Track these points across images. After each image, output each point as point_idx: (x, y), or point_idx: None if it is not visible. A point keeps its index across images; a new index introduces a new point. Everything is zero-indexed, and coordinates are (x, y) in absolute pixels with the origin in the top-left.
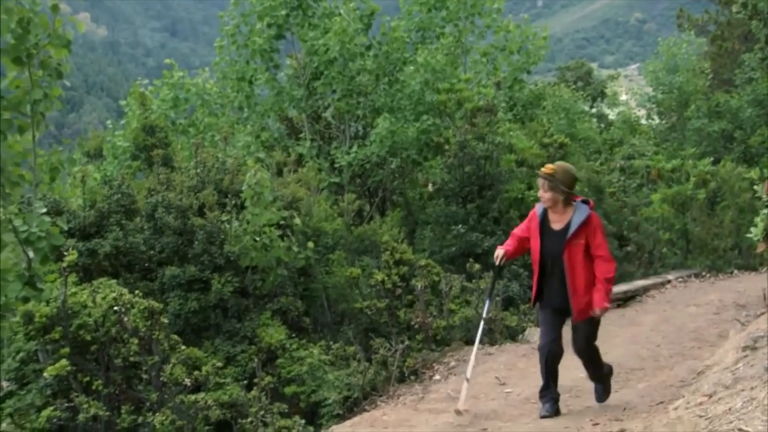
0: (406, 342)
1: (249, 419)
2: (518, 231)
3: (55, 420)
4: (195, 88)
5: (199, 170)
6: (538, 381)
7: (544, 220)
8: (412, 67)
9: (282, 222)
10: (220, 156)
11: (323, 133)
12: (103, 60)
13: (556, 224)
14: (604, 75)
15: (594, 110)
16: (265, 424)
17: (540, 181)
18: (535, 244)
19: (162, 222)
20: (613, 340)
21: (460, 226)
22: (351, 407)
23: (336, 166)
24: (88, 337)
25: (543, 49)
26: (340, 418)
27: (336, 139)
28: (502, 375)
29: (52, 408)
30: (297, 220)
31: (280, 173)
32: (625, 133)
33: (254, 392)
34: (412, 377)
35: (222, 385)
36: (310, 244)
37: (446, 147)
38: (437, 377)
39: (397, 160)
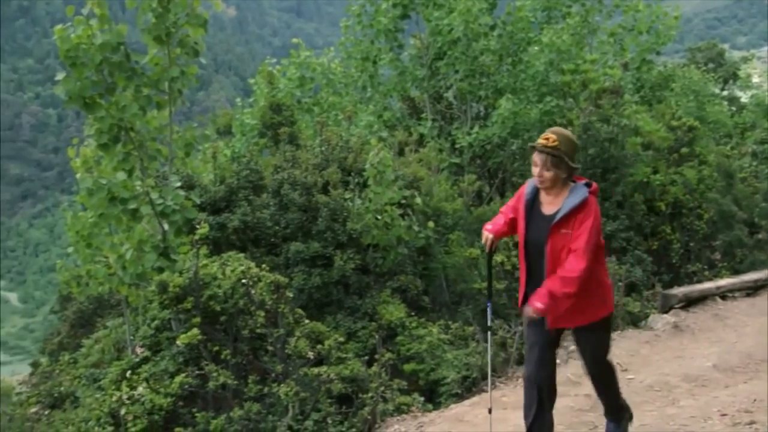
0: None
1: (369, 394)
2: (506, 209)
3: (186, 386)
4: (320, 68)
5: (323, 148)
6: (662, 367)
7: (533, 200)
8: (536, 48)
9: (403, 201)
10: (343, 135)
11: (444, 114)
12: (231, 39)
13: (548, 207)
14: (737, 56)
15: (725, 93)
16: (385, 400)
17: (538, 157)
18: (521, 230)
19: (287, 198)
20: (743, 329)
21: None
22: (469, 387)
23: (456, 146)
24: (218, 308)
25: (673, 29)
26: (459, 397)
27: (457, 120)
28: (624, 361)
29: (184, 375)
30: (418, 200)
31: (401, 153)
32: (758, 117)
33: (375, 368)
34: None
35: (343, 360)
36: (430, 224)
37: (570, 129)
38: (557, 361)
39: (519, 142)
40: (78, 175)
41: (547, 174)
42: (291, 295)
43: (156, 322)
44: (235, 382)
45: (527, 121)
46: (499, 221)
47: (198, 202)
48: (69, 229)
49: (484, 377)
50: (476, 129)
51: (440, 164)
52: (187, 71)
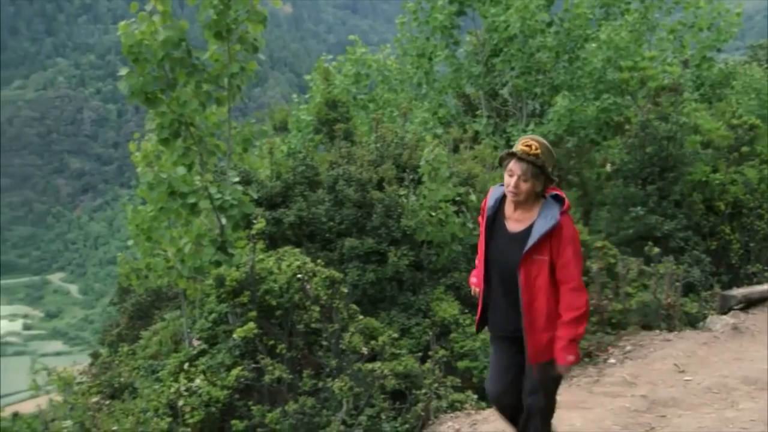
0: None
1: (423, 391)
2: (480, 244)
3: (242, 379)
4: (376, 64)
5: (378, 145)
6: (720, 369)
7: (496, 212)
8: (594, 45)
9: (457, 198)
10: (398, 131)
11: (500, 111)
12: (287, 36)
13: (514, 223)
14: None
15: None
16: (439, 397)
17: (517, 166)
18: (481, 245)
19: (342, 194)
20: None
21: (639, 208)
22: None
23: (511, 143)
24: (274, 303)
25: (735, 26)
26: None
27: (512, 117)
28: (681, 362)
29: (240, 368)
30: (472, 197)
31: (456, 150)
32: None
33: (428, 365)
34: (586, 359)
35: (397, 356)
36: None
37: (627, 126)
38: (612, 360)
39: (575, 139)
40: (139, 170)
41: (524, 186)
42: (345, 290)
43: (213, 315)
44: (290, 376)
45: (584, 119)
46: (478, 267)
47: (255, 197)
48: (129, 223)
49: None
50: (532, 126)
51: (495, 161)
52: (246, 67)
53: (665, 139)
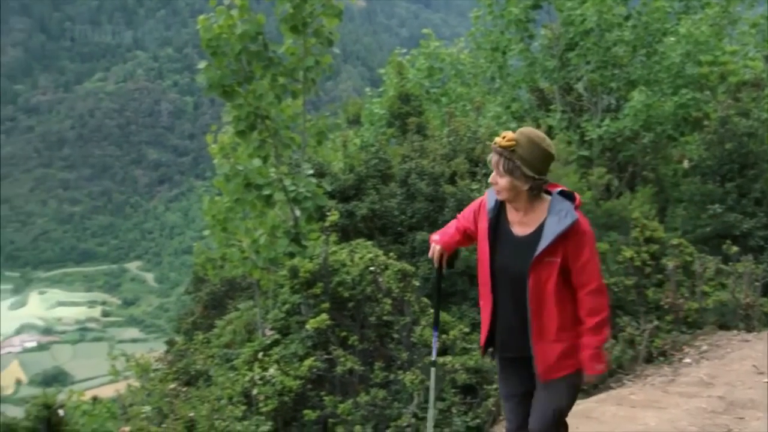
0: (655, 322)
1: (494, 386)
2: (461, 217)
3: (314, 370)
4: (449, 58)
5: (451, 139)
6: None
7: (498, 217)
8: (672, 39)
9: None
10: (471, 125)
11: (574, 105)
12: (360, 30)
13: (520, 227)
14: None
15: None
16: None
17: (492, 158)
18: (483, 255)
19: (415, 188)
20: None
21: (717, 205)
22: (596, 383)
23: (586, 139)
24: (346, 294)
25: None
26: (585, 393)
27: (587, 112)
28: (759, 363)
29: (312, 358)
30: None
31: None
32: None
33: None
34: (661, 358)
35: (468, 351)
36: None
37: (705, 122)
38: (687, 360)
39: (651, 135)
40: (215, 161)
41: (501, 181)
42: (417, 284)
43: (286, 306)
44: (362, 368)
45: (661, 114)
46: (449, 230)
47: (329, 189)
48: (206, 213)
49: (611, 374)
50: (607, 121)
51: (569, 156)
52: (321, 60)
53: (746, 135)
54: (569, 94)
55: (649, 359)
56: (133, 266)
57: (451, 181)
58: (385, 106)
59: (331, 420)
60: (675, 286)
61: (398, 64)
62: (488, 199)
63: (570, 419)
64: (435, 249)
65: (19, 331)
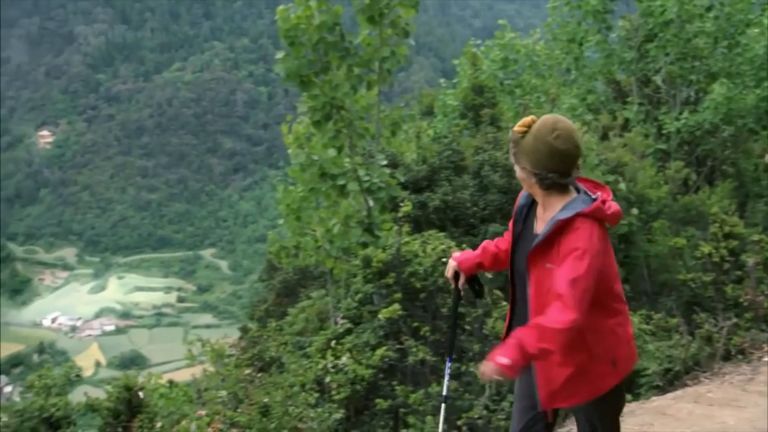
0: (733, 319)
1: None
2: (505, 235)
3: (386, 359)
4: (524, 49)
5: None
6: None
7: (528, 213)
8: (756, 30)
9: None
10: None
11: (652, 98)
12: (433, 21)
13: (539, 224)
14: None
15: None
16: None
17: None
18: (506, 251)
19: (488, 180)
20: None
21: None
22: (671, 380)
23: (663, 132)
24: (418, 285)
25: None
26: (660, 390)
27: (665, 104)
28: None
29: (384, 348)
30: (621, 185)
31: (605, 137)
32: None
33: None
34: (739, 356)
35: None
36: (634, 211)
37: None
38: (767, 359)
39: (731, 129)
40: (290, 151)
41: (518, 171)
42: (489, 276)
43: (359, 295)
44: (434, 359)
45: (742, 107)
46: (478, 251)
47: (402, 180)
48: (280, 202)
49: (688, 371)
50: (686, 114)
51: (645, 150)
52: (396, 51)
53: None
54: (647, 86)
55: (727, 357)
56: (207, 253)
57: None
58: (459, 97)
59: (402, 410)
60: (755, 283)
61: (472, 55)
62: (522, 194)
63: (645, 416)
64: (449, 266)
65: (98, 315)
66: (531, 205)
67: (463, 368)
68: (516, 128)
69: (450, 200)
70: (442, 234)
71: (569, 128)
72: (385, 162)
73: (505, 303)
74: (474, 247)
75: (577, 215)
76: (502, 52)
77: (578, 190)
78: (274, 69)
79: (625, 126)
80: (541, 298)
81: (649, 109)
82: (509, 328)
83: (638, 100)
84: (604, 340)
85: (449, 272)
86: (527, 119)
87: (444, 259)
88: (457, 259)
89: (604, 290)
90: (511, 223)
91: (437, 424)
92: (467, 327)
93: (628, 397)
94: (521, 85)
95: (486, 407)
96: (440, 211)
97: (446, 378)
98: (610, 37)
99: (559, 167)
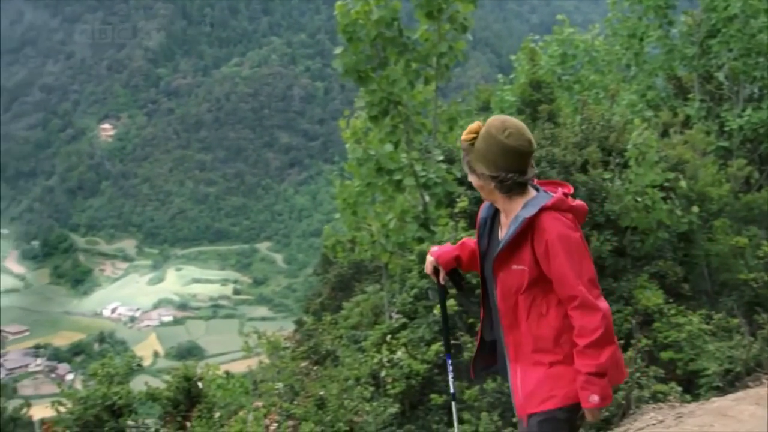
0: None
1: (624, 380)
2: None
3: (441, 354)
4: (583, 45)
5: (584, 127)
6: None
7: (493, 219)
8: None
9: (666, 184)
10: (605, 113)
11: (714, 95)
12: (490, 16)
13: (503, 230)
14: None
15: None
16: (641, 387)
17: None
18: (478, 260)
19: (545, 176)
20: None
21: None
22: (732, 381)
23: (725, 129)
24: (474, 281)
25: None
26: (720, 390)
27: (727, 101)
28: None
29: (440, 343)
30: (682, 183)
31: (665, 134)
32: None
33: (630, 353)
34: None
35: None
36: (695, 209)
37: None
38: None
39: None
40: (347, 146)
41: (471, 179)
42: None
43: (414, 290)
44: None
45: None
46: (457, 245)
47: (458, 175)
48: (337, 197)
49: (749, 372)
50: (749, 111)
51: (707, 147)
52: (454, 47)
53: None
54: (709, 83)
55: None
56: (263, 246)
57: (583, 169)
58: (516, 93)
59: (457, 405)
60: None
61: (530, 50)
62: (483, 207)
63: (705, 417)
64: (428, 261)
65: (156, 306)
66: (494, 216)
67: None
68: (464, 136)
69: None
70: None
71: (518, 125)
72: (441, 157)
73: None
74: None
75: (541, 210)
76: (560, 48)
77: (537, 190)
78: (331, 64)
79: (686, 123)
80: (509, 297)
81: (711, 105)
82: (482, 336)
83: (700, 97)
84: (562, 335)
85: (428, 268)
86: (473, 125)
87: None
88: (434, 253)
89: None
90: (476, 236)
91: (492, 421)
92: None
93: (687, 397)
94: (580, 81)
95: None
96: None
97: (450, 376)
98: (671, 33)
99: (515, 166)
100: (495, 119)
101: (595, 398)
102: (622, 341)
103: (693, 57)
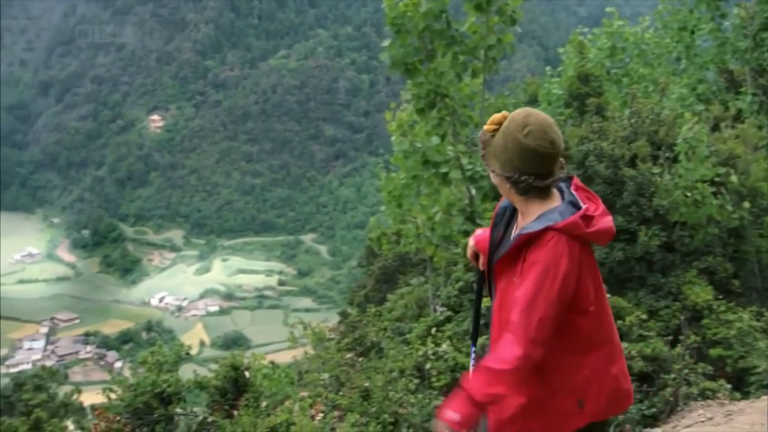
0: None
1: (672, 375)
2: None
3: (486, 348)
4: (633, 38)
5: (633, 121)
6: None
7: (511, 217)
8: None
9: (716, 179)
10: (655, 107)
11: (766, 88)
12: (537, 8)
13: (517, 229)
14: None
15: None
16: (689, 383)
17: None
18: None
19: (592, 170)
20: None
21: None
22: None
23: None
24: None
25: None
26: None
27: None
28: None
29: (485, 337)
30: (733, 178)
31: (716, 128)
32: None
33: (678, 349)
34: None
35: (645, 338)
36: (746, 204)
37: None
38: None
39: None
40: (393, 138)
41: (491, 176)
42: None
43: (459, 283)
44: None
45: None
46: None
47: None
48: (382, 189)
49: None
50: None
51: (759, 142)
52: (503, 39)
53: None
54: (762, 77)
55: None
56: (308, 238)
57: (632, 164)
58: (564, 86)
59: None
60: None
61: (579, 43)
62: (500, 204)
63: (754, 415)
64: (468, 246)
65: (203, 296)
66: (514, 208)
67: None
68: (485, 127)
69: None
70: None
71: (543, 122)
72: None
73: (609, 295)
74: None
75: (548, 229)
76: (609, 41)
77: (563, 197)
78: (379, 57)
79: (738, 117)
80: (504, 313)
81: (764, 99)
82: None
83: (752, 91)
84: (567, 374)
85: (469, 253)
86: (498, 116)
87: None
88: (475, 238)
89: (576, 319)
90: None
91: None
92: None
93: (737, 394)
94: (629, 74)
95: None
96: None
97: (471, 365)
98: (723, 26)
99: (532, 168)
100: (518, 112)
101: (453, 416)
102: (670, 337)
103: (746, 50)
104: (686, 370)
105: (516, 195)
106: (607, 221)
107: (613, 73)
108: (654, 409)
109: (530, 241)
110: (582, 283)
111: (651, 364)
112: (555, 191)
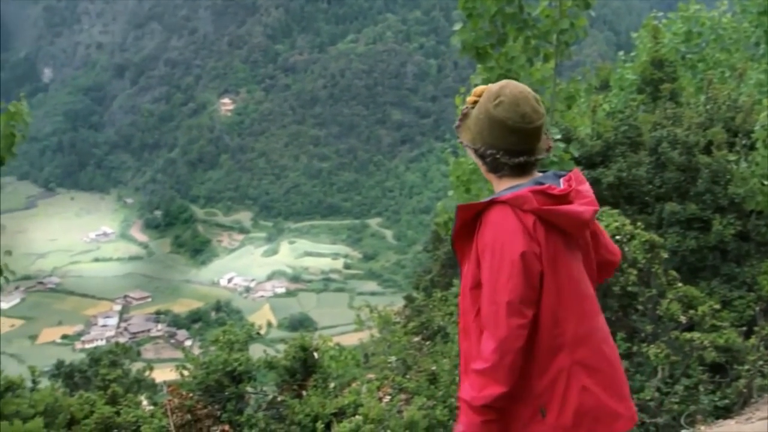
0: None
1: (746, 367)
2: None
3: None
4: (710, 22)
5: (708, 107)
6: None
7: None
8: None
9: None
10: (731, 93)
11: None
12: None
13: None
14: None
15: None
16: (763, 375)
17: None
18: None
19: (666, 157)
20: None
21: None
22: None
23: None
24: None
25: None
26: None
27: None
28: None
29: None
30: None
31: None
32: None
33: (753, 340)
34: None
35: (718, 328)
36: None
37: None
38: None
39: None
40: None
41: (467, 152)
42: (665, 255)
43: None
44: None
45: None
46: None
47: (575, 155)
48: (451, 174)
49: None
50: None
51: None
52: (576, 23)
53: None
54: None
55: None
56: (373, 222)
57: (707, 151)
58: (637, 71)
59: None
60: None
61: (653, 28)
62: None
63: None
64: None
65: (270, 277)
66: None
67: (635, 348)
68: (468, 98)
69: (624, 177)
70: (615, 211)
71: (517, 95)
72: (558, 136)
73: (680, 284)
74: (648, 225)
75: (493, 202)
76: (685, 25)
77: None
78: (450, 41)
79: None
80: (464, 301)
81: None
82: None
83: None
84: (528, 377)
85: None
86: (480, 87)
87: (617, 237)
88: None
89: (537, 314)
90: None
91: None
92: (640, 307)
93: None
94: (704, 60)
95: (658, 389)
96: (614, 187)
97: None
98: None
99: (502, 142)
100: (498, 83)
101: (460, 428)
102: (744, 328)
103: None
104: (761, 362)
105: (489, 173)
106: (578, 208)
107: (688, 59)
108: (726, 401)
109: (473, 222)
110: (557, 273)
111: (724, 354)
112: (538, 174)
